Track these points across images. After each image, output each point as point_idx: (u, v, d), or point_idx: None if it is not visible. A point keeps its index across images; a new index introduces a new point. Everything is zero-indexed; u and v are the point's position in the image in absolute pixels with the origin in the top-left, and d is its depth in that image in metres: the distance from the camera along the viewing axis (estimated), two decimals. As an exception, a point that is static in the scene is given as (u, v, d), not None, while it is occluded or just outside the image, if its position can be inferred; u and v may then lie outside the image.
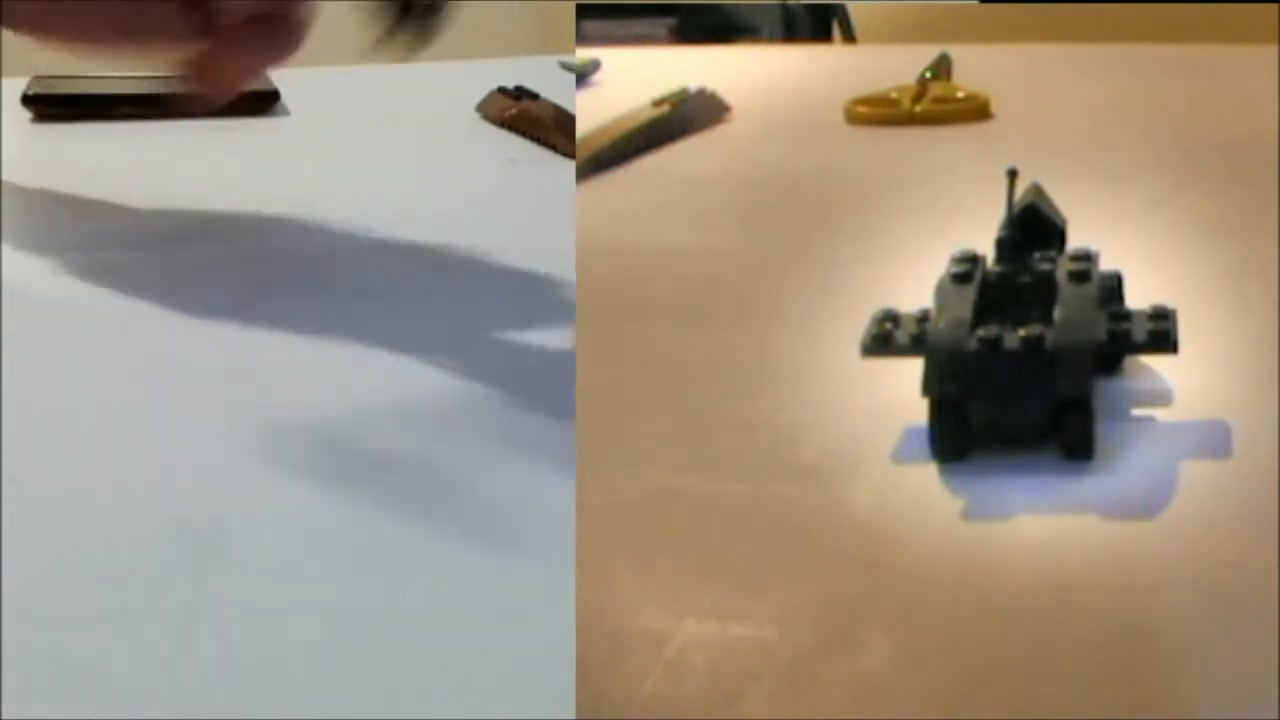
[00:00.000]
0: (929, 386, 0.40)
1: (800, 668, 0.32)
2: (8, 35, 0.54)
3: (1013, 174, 0.44)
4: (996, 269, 0.44)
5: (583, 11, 1.25)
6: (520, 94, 0.85)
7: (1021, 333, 0.40)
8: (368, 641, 0.36)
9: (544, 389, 0.49)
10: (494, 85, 0.87)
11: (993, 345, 0.40)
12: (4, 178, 0.70)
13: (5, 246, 0.61)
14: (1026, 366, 0.40)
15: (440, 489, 0.43)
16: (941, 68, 0.87)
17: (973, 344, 0.40)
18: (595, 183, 0.70)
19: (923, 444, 0.40)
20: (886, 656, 0.32)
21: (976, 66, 0.88)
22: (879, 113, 0.79)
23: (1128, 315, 0.42)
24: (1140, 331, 0.41)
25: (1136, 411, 0.42)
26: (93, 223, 0.65)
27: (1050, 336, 0.40)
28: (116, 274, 0.58)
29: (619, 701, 0.31)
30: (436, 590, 0.38)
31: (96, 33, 0.54)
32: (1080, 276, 0.43)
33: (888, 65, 0.88)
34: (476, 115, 0.85)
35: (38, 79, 0.85)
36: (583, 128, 0.76)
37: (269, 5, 0.56)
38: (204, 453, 0.45)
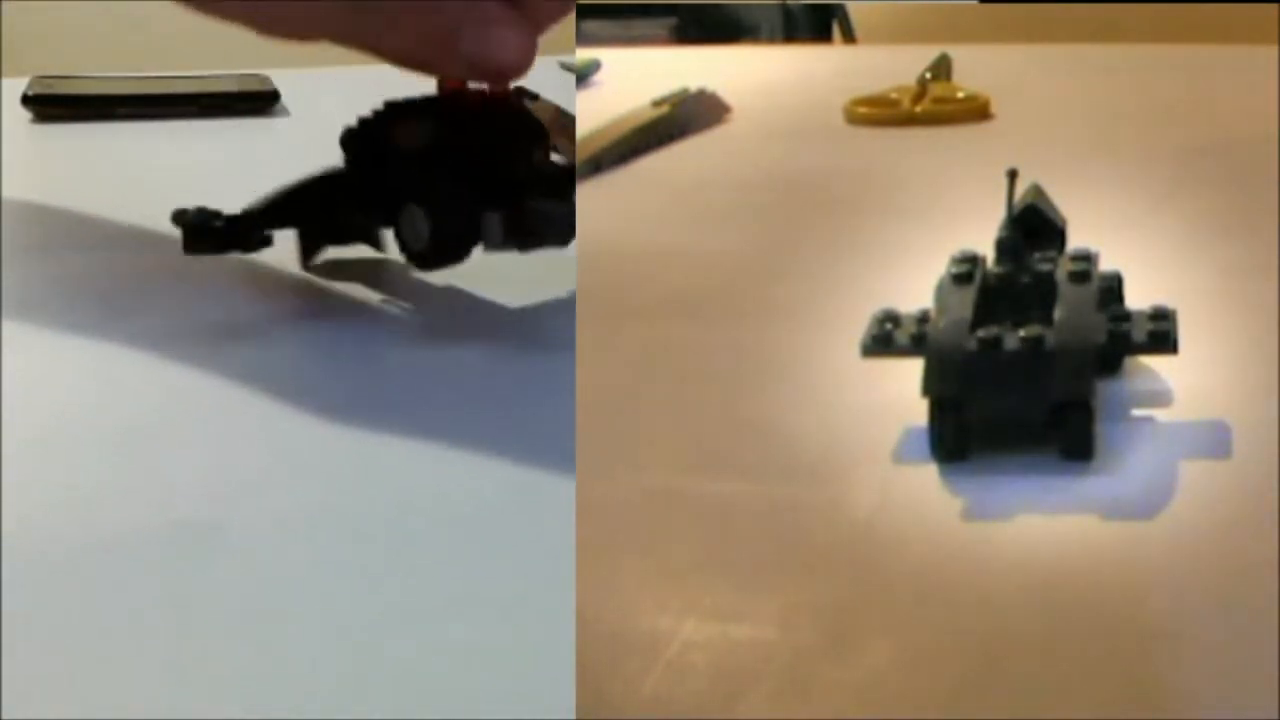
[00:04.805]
0: (929, 386, 0.40)
1: (800, 668, 0.32)
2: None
3: (1013, 174, 0.44)
4: (996, 269, 0.44)
5: (583, 11, 1.25)
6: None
7: (1021, 333, 0.40)
8: (367, 641, 0.36)
9: (543, 387, 0.49)
10: (494, 85, 0.87)
11: (993, 346, 0.40)
12: (4, 178, 0.70)
13: (5, 245, 0.61)
14: (1026, 367, 0.40)
15: (439, 488, 0.43)
16: (941, 68, 0.87)
17: (973, 344, 0.40)
18: (595, 183, 0.70)
19: (923, 444, 0.40)
20: (886, 656, 0.32)
21: (976, 66, 0.88)
22: (879, 113, 0.79)
23: (1127, 316, 0.42)
24: (1140, 332, 0.41)
25: (1136, 412, 0.43)
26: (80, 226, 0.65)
27: (1050, 337, 0.40)
28: (117, 274, 0.58)
29: (619, 701, 0.31)
30: (436, 590, 0.38)
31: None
32: (1080, 277, 0.43)
33: (888, 65, 0.88)
34: (476, 115, 0.85)
35: (38, 79, 0.85)
36: (583, 128, 0.76)
37: None
38: (204, 453, 0.45)
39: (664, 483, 0.40)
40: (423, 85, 0.55)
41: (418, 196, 0.53)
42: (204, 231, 0.53)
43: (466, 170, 0.53)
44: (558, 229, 0.51)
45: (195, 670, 0.34)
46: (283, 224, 0.55)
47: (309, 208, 0.55)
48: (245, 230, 0.54)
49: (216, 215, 0.54)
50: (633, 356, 0.49)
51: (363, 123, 0.56)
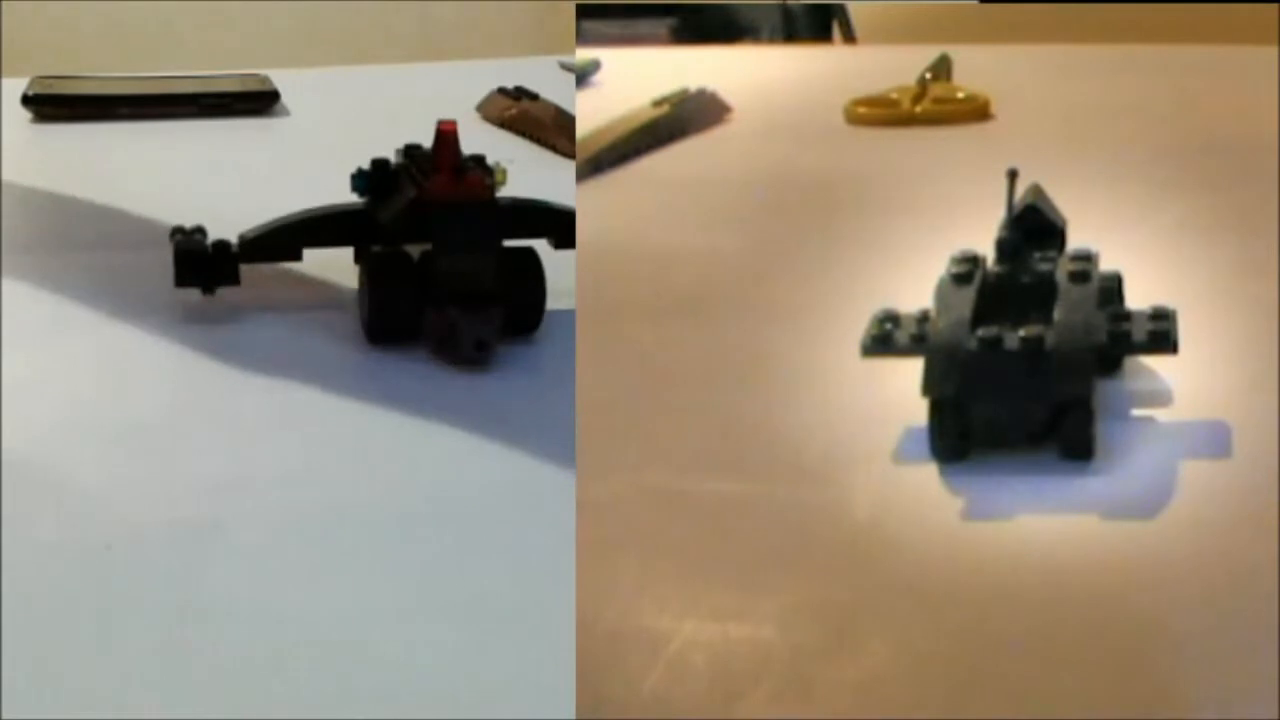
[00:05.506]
0: (929, 386, 0.40)
1: (800, 668, 0.32)
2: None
3: (1013, 174, 0.44)
4: (996, 269, 0.44)
5: (583, 11, 1.25)
6: (520, 94, 0.85)
7: (1021, 333, 0.40)
8: (367, 641, 0.36)
9: (543, 388, 0.49)
10: (494, 85, 0.87)
11: (993, 345, 0.40)
12: (4, 178, 0.70)
13: (5, 245, 0.61)
14: (1026, 366, 0.40)
15: (439, 489, 0.43)
16: (941, 68, 0.87)
17: (973, 344, 0.40)
18: (595, 183, 0.70)
19: (923, 444, 0.41)
20: (886, 656, 0.32)
21: (976, 67, 0.88)
22: (879, 113, 0.79)
23: (1128, 316, 0.42)
24: (1140, 332, 0.41)
25: (1136, 411, 0.43)
26: (92, 224, 0.65)
27: (1050, 337, 0.40)
28: (116, 274, 0.58)
29: (619, 701, 0.31)
30: (436, 590, 0.38)
31: None
32: (1080, 277, 0.43)
33: (888, 65, 0.88)
34: (476, 115, 0.85)
35: (38, 79, 0.85)
36: (583, 128, 0.76)
37: None
38: (204, 452, 0.45)
39: (664, 483, 0.40)
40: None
41: (368, 274, 0.53)
42: (195, 261, 0.53)
43: (409, 268, 0.52)
44: (477, 347, 0.50)
45: (195, 670, 0.34)
46: (282, 257, 0.55)
47: (305, 242, 0.55)
48: (239, 261, 0.54)
49: (205, 243, 0.54)
50: (632, 356, 0.49)
51: (375, 164, 0.55)
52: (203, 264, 0.53)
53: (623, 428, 0.44)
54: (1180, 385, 0.44)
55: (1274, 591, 0.33)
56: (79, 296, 0.56)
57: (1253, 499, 0.37)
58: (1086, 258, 0.44)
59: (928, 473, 0.40)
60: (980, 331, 0.40)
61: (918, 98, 0.80)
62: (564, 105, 0.84)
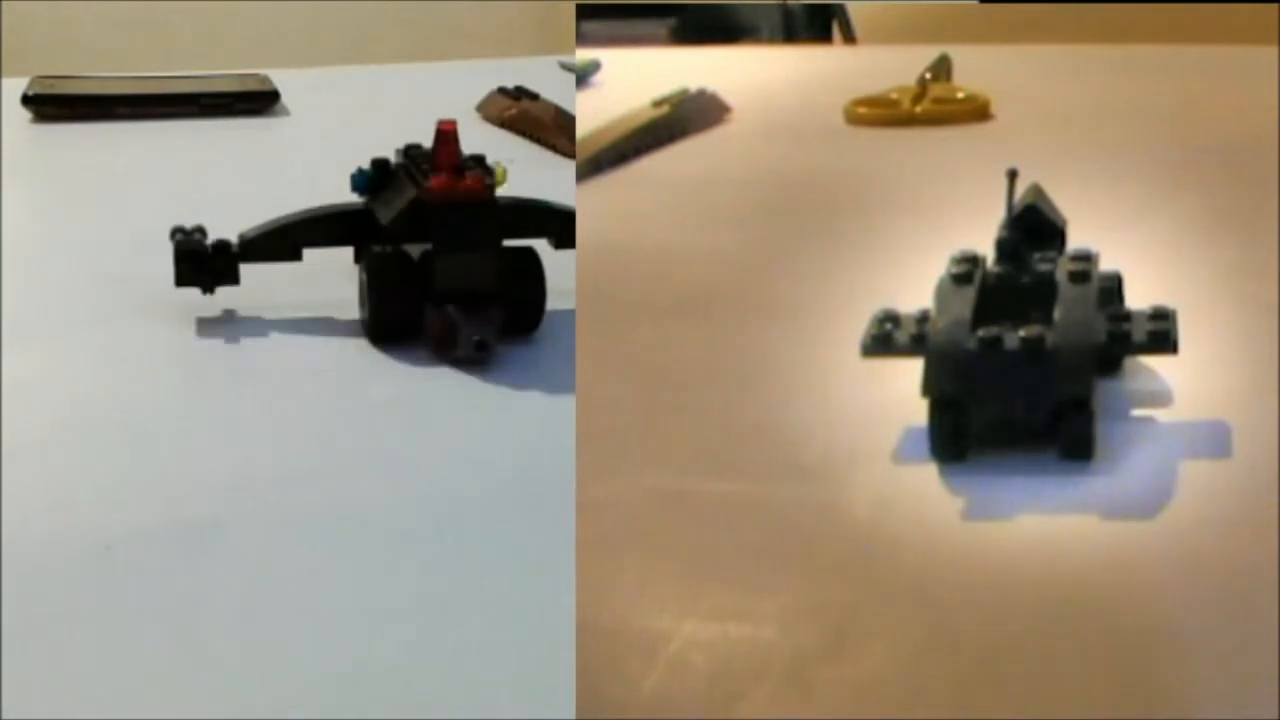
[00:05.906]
0: (929, 386, 0.40)
1: (800, 668, 0.32)
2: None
3: (1012, 175, 0.44)
4: (996, 269, 0.44)
5: (583, 11, 1.25)
6: (520, 94, 0.85)
7: (1021, 333, 0.40)
8: (367, 641, 0.36)
9: (543, 388, 0.49)
10: (494, 85, 0.87)
11: (993, 345, 0.40)
12: (4, 178, 0.70)
13: (5, 245, 0.61)
14: (1026, 366, 0.40)
15: (439, 489, 0.43)
16: (941, 68, 0.87)
17: (973, 344, 0.40)
18: (595, 183, 0.70)
19: (923, 444, 0.40)
20: (886, 656, 0.32)
21: (976, 67, 0.88)
22: (879, 113, 0.79)
23: (1127, 316, 0.42)
24: (1140, 332, 0.41)
25: (1136, 411, 0.43)
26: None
27: (1050, 337, 0.40)
28: (116, 274, 0.58)
29: (619, 701, 0.31)
30: (436, 590, 0.38)
31: None
32: (1080, 277, 0.43)
33: (888, 66, 0.88)
34: (476, 115, 0.85)
35: (38, 79, 0.85)
36: (583, 128, 0.76)
37: None
38: (204, 453, 0.45)
39: (664, 483, 0.40)
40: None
41: (368, 274, 0.53)
42: (195, 261, 0.53)
43: (409, 268, 0.52)
44: (477, 347, 0.50)
45: (195, 670, 0.34)
46: (282, 257, 0.55)
47: (305, 242, 0.55)
48: (239, 261, 0.54)
49: (205, 243, 0.54)
50: (632, 356, 0.49)
51: (375, 164, 0.55)
52: (203, 264, 0.53)
53: (623, 428, 0.44)
54: (1180, 385, 0.44)
55: (1274, 591, 0.33)
56: (79, 296, 0.56)
57: (1253, 499, 0.37)
58: (1086, 258, 0.44)
59: (928, 473, 0.40)
60: (980, 331, 0.40)
61: (918, 98, 0.80)
62: (564, 105, 0.84)
